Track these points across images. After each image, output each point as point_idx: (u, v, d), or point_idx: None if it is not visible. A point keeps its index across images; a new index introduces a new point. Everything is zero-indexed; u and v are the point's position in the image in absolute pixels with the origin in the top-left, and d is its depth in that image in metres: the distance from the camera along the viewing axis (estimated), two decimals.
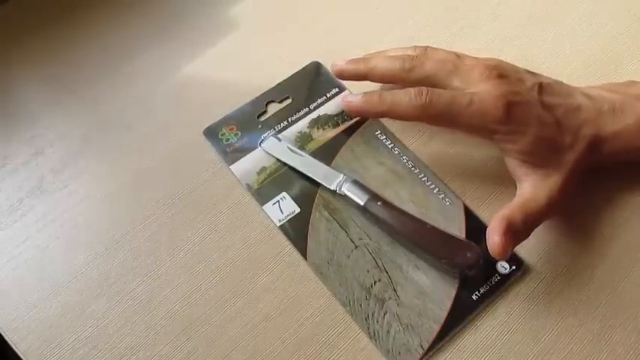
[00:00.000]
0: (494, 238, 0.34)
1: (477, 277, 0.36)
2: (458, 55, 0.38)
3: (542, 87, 0.36)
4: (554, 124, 0.35)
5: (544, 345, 0.35)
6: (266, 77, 0.45)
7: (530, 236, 0.35)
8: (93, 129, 0.44)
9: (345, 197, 0.39)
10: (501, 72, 0.36)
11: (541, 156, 0.35)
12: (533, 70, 0.38)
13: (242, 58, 0.47)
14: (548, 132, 0.35)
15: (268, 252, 0.38)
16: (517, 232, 0.34)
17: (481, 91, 0.35)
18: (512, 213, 0.34)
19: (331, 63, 0.41)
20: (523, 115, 0.35)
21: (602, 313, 0.36)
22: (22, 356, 0.36)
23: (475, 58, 0.38)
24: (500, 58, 0.38)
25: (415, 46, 0.39)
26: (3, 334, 0.36)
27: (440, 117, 0.36)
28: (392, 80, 0.39)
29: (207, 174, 0.41)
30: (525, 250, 0.37)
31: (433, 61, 0.38)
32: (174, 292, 0.37)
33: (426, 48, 0.39)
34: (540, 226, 0.36)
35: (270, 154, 0.41)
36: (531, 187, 0.36)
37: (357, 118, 0.42)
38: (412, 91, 0.36)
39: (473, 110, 0.35)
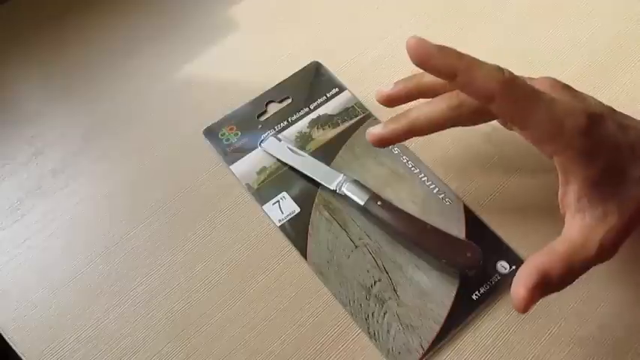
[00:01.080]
0: (519, 291, 0.28)
1: (477, 277, 0.36)
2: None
3: (610, 107, 0.32)
4: (628, 148, 0.30)
5: (544, 345, 0.35)
6: (266, 77, 0.45)
7: (530, 236, 0.35)
8: (93, 129, 0.44)
9: (345, 197, 0.39)
10: (567, 86, 0.33)
11: (607, 188, 0.30)
12: (534, 70, 0.38)
13: (242, 57, 0.47)
14: (621, 158, 0.30)
15: (268, 252, 0.38)
16: (550, 287, 0.29)
17: (560, 98, 0.30)
18: (552, 265, 0.29)
19: (376, 92, 0.37)
20: (603, 132, 0.30)
21: (602, 313, 0.36)
22: (22, 356, 0.36)
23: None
24: (501, 58, 0.37)
25: None
26: (3, 334, 0.36)
27: (518, 102, 0.29)
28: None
29: (207, 174, 0.41)
30: (525, 250, 0.37)
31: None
32: (174, 292, 0.37)
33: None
34: (540, 227, 0.35)
35: (270, 154, 0.41)
36: (583, 231, 0.30)
37: (358, 118, 0.42)
38: (491, 65, 0.29)
39: (556, 109, 0.29)
